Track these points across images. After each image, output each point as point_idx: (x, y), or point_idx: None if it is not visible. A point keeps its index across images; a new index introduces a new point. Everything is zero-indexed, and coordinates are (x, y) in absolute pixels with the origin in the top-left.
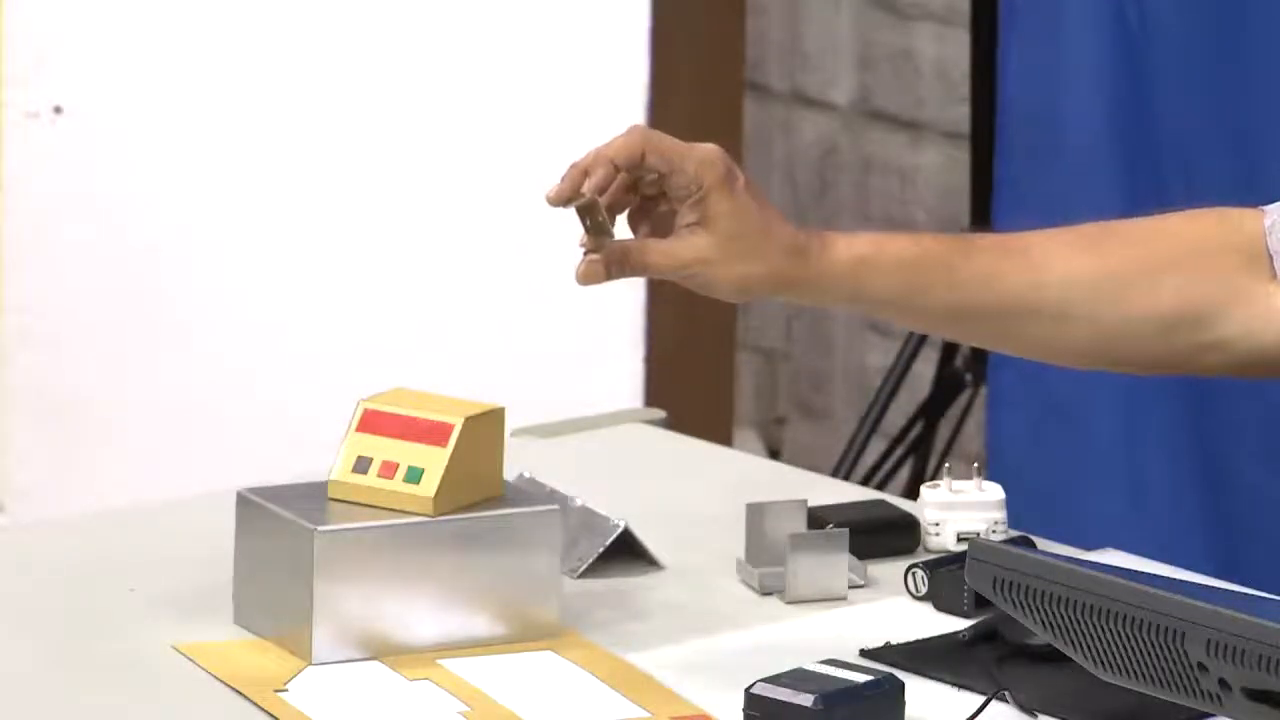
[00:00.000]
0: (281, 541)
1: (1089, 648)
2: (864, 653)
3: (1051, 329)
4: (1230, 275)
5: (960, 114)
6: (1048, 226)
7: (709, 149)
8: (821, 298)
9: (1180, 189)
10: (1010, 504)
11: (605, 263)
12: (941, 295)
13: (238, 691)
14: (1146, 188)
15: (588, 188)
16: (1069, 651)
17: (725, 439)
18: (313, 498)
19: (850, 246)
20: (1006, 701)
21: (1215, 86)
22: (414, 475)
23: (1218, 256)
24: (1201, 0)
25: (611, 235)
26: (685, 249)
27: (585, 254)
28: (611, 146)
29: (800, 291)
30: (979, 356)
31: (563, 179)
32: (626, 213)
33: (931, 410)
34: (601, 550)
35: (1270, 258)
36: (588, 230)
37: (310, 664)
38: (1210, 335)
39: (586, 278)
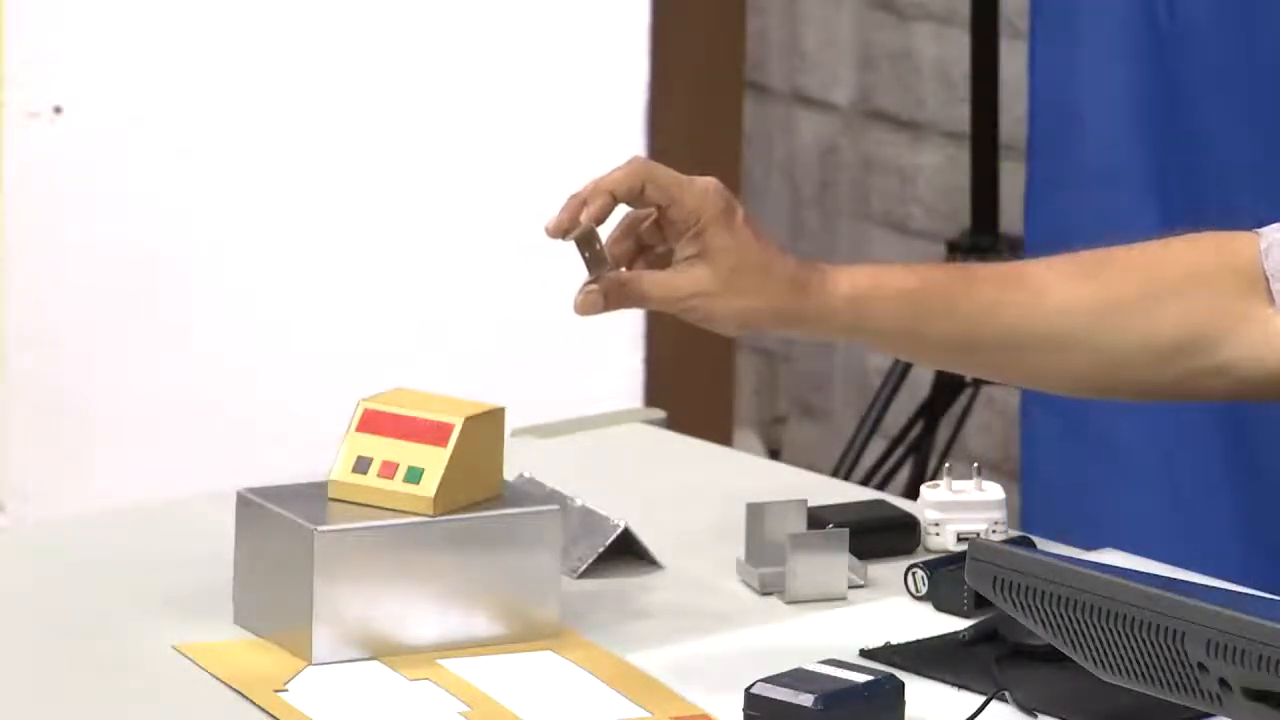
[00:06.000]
0: (281, 541)
1: (1089, 648)
2: (864, 653)
3: (1052, 358)
4: (1229, 300)
5: (960, 114)
6: (1080, 228)
7: (708, 182)
8: (821, 331)
9: (1214, 190)
10: (1041, 506)
11: (603, 293)
12: (941, 327)
13: (238, 691)
14: (1179, 189)
15: (585, 218)
16: (1069, 651)
17: (725, 439)
18: (313, 498)
19: (849, 280)
20: (1006, 701)
21: (1248, 87)
22: (414, 475)
23: (1216, 281)
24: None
25: (610, 265)
26: (684, 281)
27: (584, 284)
28: (610, 178)
29: (799, 325)
30: None
31: (561, 209)
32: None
33: (931, 410)
34: (601, 550)
35: (1267, 280)
36: (586, 261)
37: (310, 664)
38: (1211, 360)
39: (584, 308)
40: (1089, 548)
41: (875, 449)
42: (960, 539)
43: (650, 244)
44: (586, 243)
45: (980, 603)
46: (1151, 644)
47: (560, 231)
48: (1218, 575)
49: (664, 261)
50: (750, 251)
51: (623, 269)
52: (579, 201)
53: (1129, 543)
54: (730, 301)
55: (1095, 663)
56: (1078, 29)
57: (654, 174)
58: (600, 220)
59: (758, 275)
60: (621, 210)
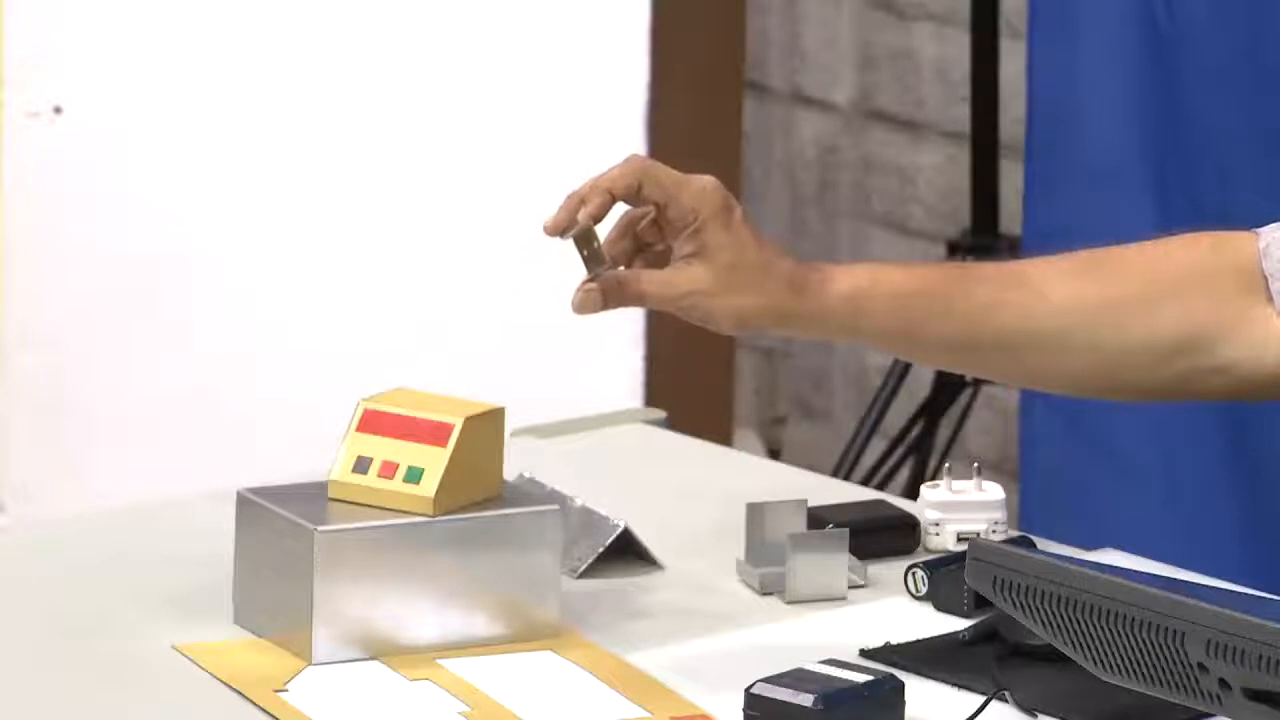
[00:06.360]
0: (281, 541)
1: (1089, 648)
2: (864, 653)
3: (1051, 358)
4: (1228, 299)
5: (960, 114)
6: (1079, 228)
7: (706, 180)
8: (819, 331)
9: (1213, 190)
10: (1041, 505)
11: (601, 291)
12: (939, 327)
13: (238, 691)
14: (1178, 189)
15: (583, 216)
16: (1069, 651)
17: (725, 439)
18: (313, 498)
19: (847, 280)
20: (1006, 701)
21: (1248, 87)
22: (414, 475)
23: (1215, 281)
24: None
25: (608, 263)
26: (682, 279)
27: (582, 283)
28: (608, 176)
29: (798, 324)
30: None
31: (559, 208)
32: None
33: (931, 410)
34: (601, 550)
35: (1266, 280)
36: (584, 259)
37: (310, 664)
38: (1211, 360)
39: (583, 307)
40: (1089, 548)
41: (875, 449)
42: (960, 539)
43: (649, 242)
44: (584, 241)
45: (980, 603)
46: (1151, 644)
47: (558, 230)
48: (1218, 575)
49: (662, 260)
50: (748, 250)
51: (621, 267)
52: (577, 200)
53: (1129, 543)
54: (728, 300)
55: (1095, 663)
56: (1076, 29)
57: (652, 172)
58: (598, 218)
59: (756, 274)
60: (620, 209)
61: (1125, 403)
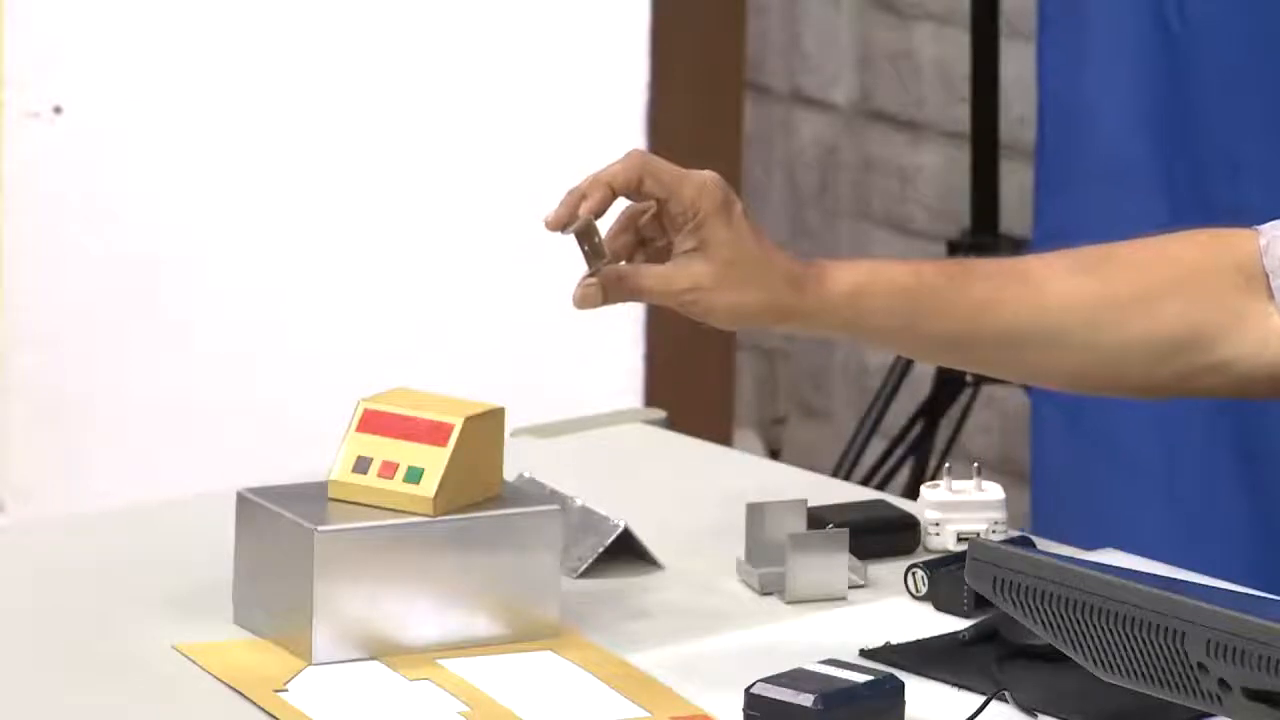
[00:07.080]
0: (281, 541)
1: (1089, 648)
2: (864, 653)
3: (1051, 354)
4: (1228, 297)
5: (960, 114)
6: (1089, 228)
7: (707, 175)
8: (819, 328)
9: (1224, 191)
10: (1051, 506)
11: (602, 286)
12: (938, 324)
13: (238, 691)
14: (1188, 189)
15: (584, 211)
16: (1069, 651)
17: (725, 439)
18: (313, 498)
19: (847, 276)
20: (1006, 701)
21: (1258, 88)
22: (414, 475)
23: (1215, 278)
24: None
25: (608, 258)
26: (681, 275)
27: (582, 278)
28: (608, 171)
29: (797, 321)
30: None
31: (560, 203)
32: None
33: (931, 410)
34: (601, 550)
35: (1266, 277)
36: (585, 254)
37: (310, 664)
38: (1209, 357)
39: (583, 302)
40: (1096, 548)
41: (875, 449)
42: (960, 539)
43: (650, 237)
44: (585, 236)
45: (980, 603)
46: (1151, 644)
47: (559, 225)
48: (1218, 575)
49: (664, 255)
50: (748, 245)
51: (622, 262)
52: (578, 195)
53: (1137, 544)
54: (727, 295)
55: (1095, 663)
56: (1087, 28)
57: (652, 167)
58: (599, 213)
59: (755, 269)
60: (621, 204)
61: (1125, 399)
